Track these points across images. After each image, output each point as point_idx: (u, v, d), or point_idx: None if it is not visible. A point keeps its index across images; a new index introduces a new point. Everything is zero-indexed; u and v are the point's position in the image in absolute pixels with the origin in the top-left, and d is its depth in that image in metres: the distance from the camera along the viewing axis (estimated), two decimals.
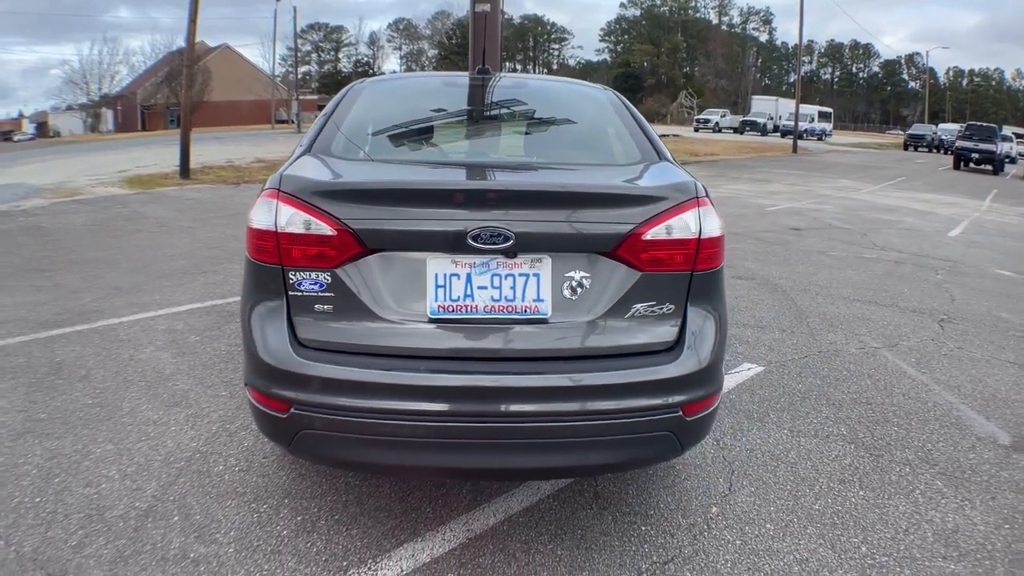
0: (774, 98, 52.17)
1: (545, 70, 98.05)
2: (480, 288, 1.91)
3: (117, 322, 4.39)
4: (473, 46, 13.68)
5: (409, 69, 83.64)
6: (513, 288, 1.91)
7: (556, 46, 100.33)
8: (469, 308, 1.91)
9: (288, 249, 1.90)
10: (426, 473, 2.21)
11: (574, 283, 1.94)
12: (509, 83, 2.97)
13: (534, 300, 1.92)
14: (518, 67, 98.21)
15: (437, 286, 1.91)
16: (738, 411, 3.29)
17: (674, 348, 1.99)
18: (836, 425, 3.19)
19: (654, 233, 1.93)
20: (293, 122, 41.58)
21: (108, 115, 60.43)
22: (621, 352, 1.96)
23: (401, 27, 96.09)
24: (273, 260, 1.92)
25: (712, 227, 2.01)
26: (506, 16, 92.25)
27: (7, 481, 2.49)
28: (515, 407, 1.86)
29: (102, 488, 2.45)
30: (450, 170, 2.30)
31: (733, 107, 63.10)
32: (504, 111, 2.76)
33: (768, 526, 2.38)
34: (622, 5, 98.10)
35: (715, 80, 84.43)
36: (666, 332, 2.00)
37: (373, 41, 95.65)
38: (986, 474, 2.81)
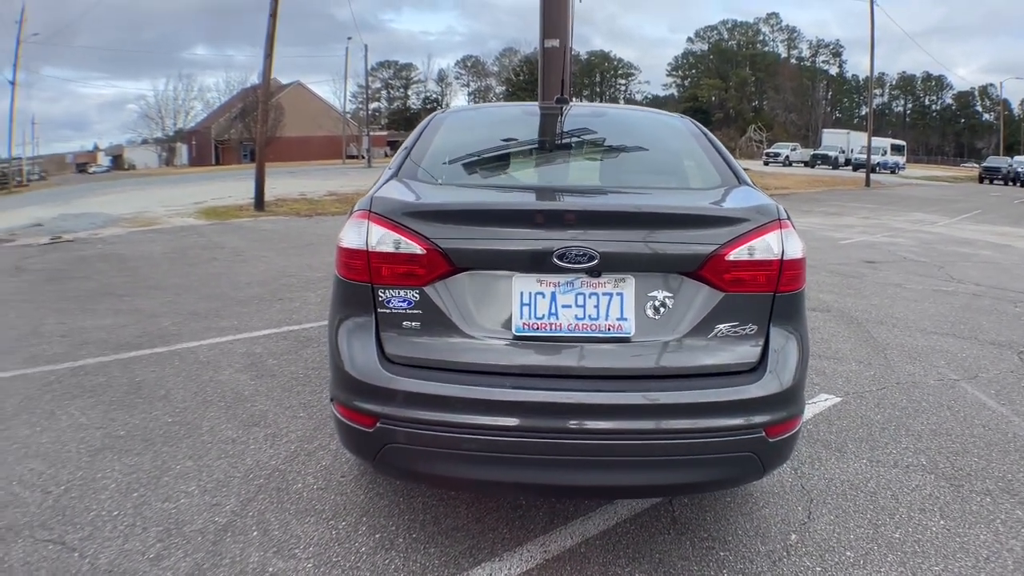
0: (845, 131, 50.68)
1: None
2: (564, 307, 1.97)
3: (196, 345, 4.62)
4: (542, 81, 14.05)
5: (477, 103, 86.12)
6: (597, 307, 1.96)
7: (623, 81, 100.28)
8: (553, 326, 1.97)
9: (378, 267, 2.00)
10: (507, 489, 2.25)
11: (657, 303, 1.98)
12: (586, 111, 3.09)
13: (617, 319, 1.97)
14: (586, 103, 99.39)
15: (523, 304, 1.97)
16: (816, 441, 3.20)
17: (757, 369, 2.00)
18: (916, 456, 3.06)
19: (737, 254, 1.96)
20: (363, 157, 42.86)
21: (183, 149, 62.97)
22: (703, 372, 1.98)
23: (469, 64, 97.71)
24: (363, 278, 2.02)
25: (794, 249, 2.04)
26: (574, 52, 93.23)
27: (84, 495, 2.62)
28: (597, 424, 1.90)
29: (181, 503, 2.58)
30: (533, 193, 2.39)
31: (803, 141, 61.58)
32: (579, 138, 2.86)
33: (848, 554, 2.31)
34: (689, 40, 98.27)
35: (784, 114, 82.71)
36: (749, 353, 2.01)
37: (442, 78, 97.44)
38: None
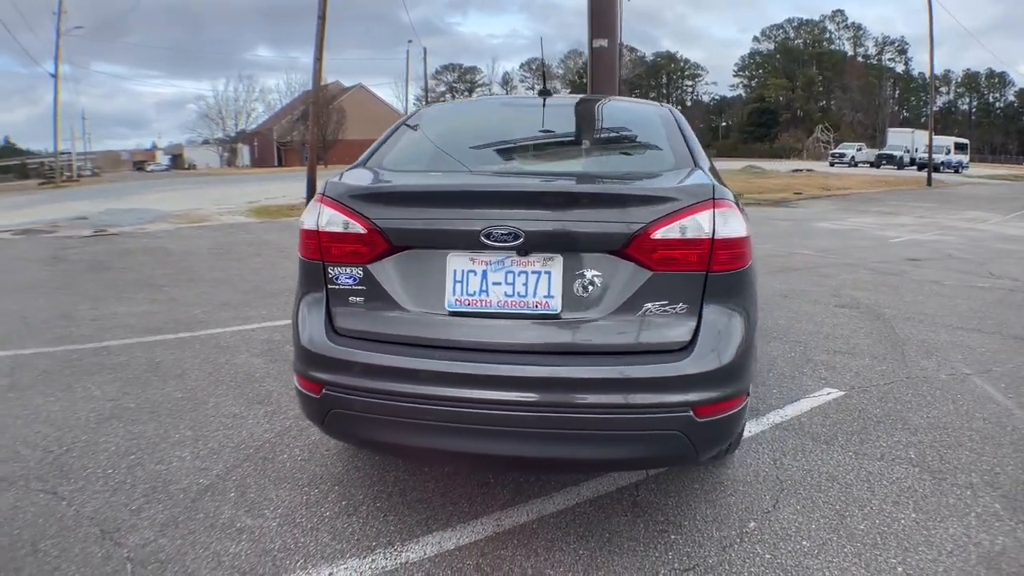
0: (910, 130, 48.22)
1: (680, 107, 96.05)
2: (495, 284, 1.99)
3: (219, 331, 4.82)
4: (591, 81, 13.89)
5: None
6: (525, 285, 1.98)
7: (690, 83, 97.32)
8: (484, 303, 2.00)
9: (328, 247, 2.09)
10: (441, 457, 2.27)
11: (585, 281, 1.97)
12: (563, 102, 3.04)
13: (545, 296, 1.97)
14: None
15: (455, 281, 2.01)
16: (805, 433, 3.09)
17: (687, 347, 1.95)
18: (906, 449, 2.91)
19: (663, 233, 1.93)
20: None
21: (244, 150, 63.09)
22: (630, 349, 1.96)
23: (534, 67, 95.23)
24: (316, 257, 2.13)
25: (730, 229, 1.98)
26: (638, 53, 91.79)
27: (84, 455, 2.80)
28: (522, 397, 1.91)
29: (172, 466, 2.72)
30: (475, 176, 2.41)
31: (871, 141, 58.91)
32: (548, 127, 2.85)
33: (805, 543, 2.22)
34: (755, 39, 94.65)
35: (851, 113, 79.20)
36: (679, 331, 1.96)
37: (506, 81, 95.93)
38: None
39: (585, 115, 2.89)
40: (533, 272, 1.98)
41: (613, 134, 2.79)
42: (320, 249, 2.11)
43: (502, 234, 1.93)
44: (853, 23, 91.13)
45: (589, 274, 1.97)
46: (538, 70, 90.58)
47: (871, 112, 79.60)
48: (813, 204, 17.56)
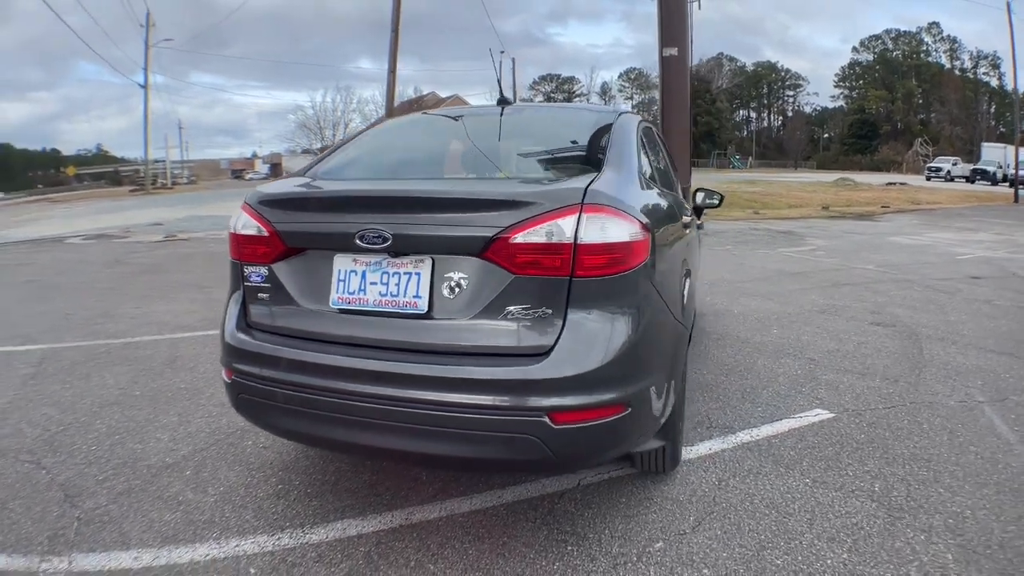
0: (1003, 145, 43.02)
1: (781, 117, 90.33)
2: (372, 284, 1.95)
3: None
4: (663, 90, 13.31)
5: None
6: (397, 285, 1.92)
7: (791, 92, 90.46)
8: (362, 301, 1.96)
9: (243, 248, 2.14)
10: (325, 444, 2.21)
11: (453, 283, 1.88)
12: (511, 111, 2.87)
13: (414, 297, 1.90)
14: (752, 114, 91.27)
15: (339, 280, 1.99)
16: (769, 455, 2.75)
17: (547, 352, 1.78)
18: (872, 481, 2.51)
19: (524, 237, 1.80)
20: None
21: None
22: (490, 351, 1.83)
23: (632, 77, 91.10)
24: (236, 257, 2.18)
25: (597, 235, 1.80)
26: (738, 63, 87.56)
27: (76, 434, 2.93)
28: (390, 392, 1.84)
29: (148, 446, 2.81)
30: (353, 183, 2.32)
31: (968, 155, 52.96)
32: (482, 136, 2.72)
33: (705, 571, 1.96)
34: (855, 49, 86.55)
35: (950, 127, 71.76)
36: (540, 335, 1.81)
37: (605, 91, 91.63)
38: (1016, 551, 2.02)
39: (524, 123, 2.73)
40: (404, 273, 1.92)
41: (537, 142, 2.62)
42: (238, 250, 2.15)
43: (372, 237, 1.89)
44: (948, 36, 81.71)
45: (456, 276, 1.87)
46: (636, 80, 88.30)
47: (968, 126, 71.47)
48: (897, 218, 15.94)
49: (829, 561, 2.00)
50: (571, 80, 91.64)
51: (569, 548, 2.07)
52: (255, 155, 78.28)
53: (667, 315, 2.14)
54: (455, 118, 2.85)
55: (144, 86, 32.10)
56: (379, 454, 2.10)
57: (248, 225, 2.11)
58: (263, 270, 2.08)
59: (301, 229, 2.03)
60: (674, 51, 12.66)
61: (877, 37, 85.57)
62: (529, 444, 1.75)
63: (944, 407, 3.28)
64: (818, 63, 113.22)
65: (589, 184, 1.90)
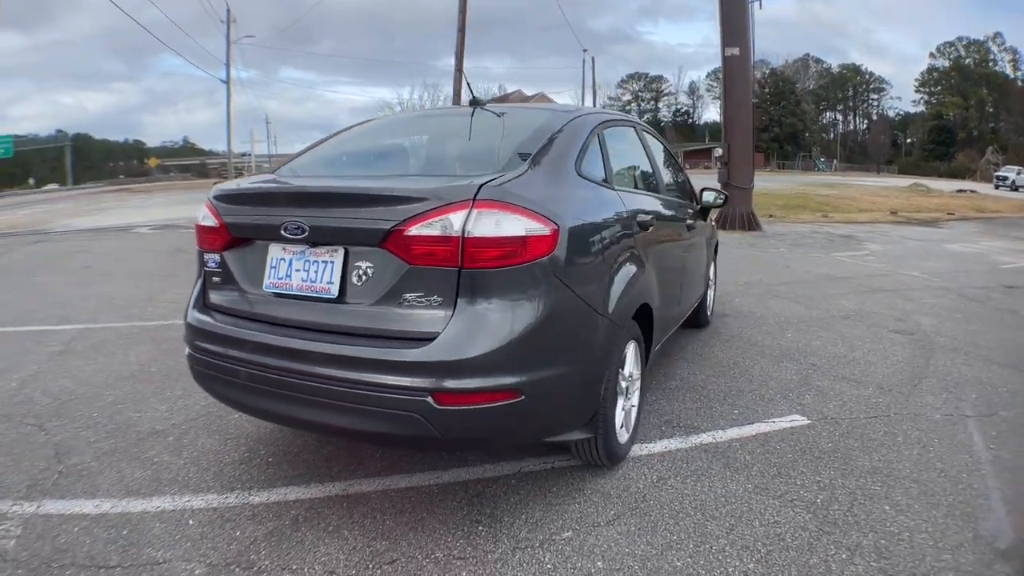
0: None
1: (866, 121, 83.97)
2: (296, 270, 2.06)
3: None
4: (724, 90, 12.72)
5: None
6: (316, 272, 2.03)
7: (875, 96, 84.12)
8: (288, 285, 2.08)
9: (202, 237, 2.31)
10: (254, 413, 2.28)
11: (361, 271, 1.97)
12: (470, 111, 2.85)
13: (327, 283, 2.01)
14: (839, 116, 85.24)
15: (271, 267, 2.12)
16: (722, 458, 2.63)
17: (435, 337, 1.84)
18: (817, 492, 2.35)
19: (418, 229, 1.86)
20: None
21: None
22: (386, 334, 1.91)
23: (719, 76, 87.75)
24: (198, 246, 2.35)
25: (488, 228, 1.84)
26: (824, 64, 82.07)
27: (84, 403, 3.13)
28: (305, 368, 1.94)
29: (145, 415, 3.00)
30: (297, 180, 2.39)
31: None
32: (436, 136, 2.75)
33: (599, 563, 1.92)
34: (932, 55, 79.49)
35: (1015, 136, 64.39)
36: (430, 321, 1.87)
37: (692, 91, 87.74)
38: None
39: (478, 124, 2.70)
40: (321, 261, 2.02)
41: (481, 141, 2.59)
42: (199, 239, 2.32)
43: (294, 228, 2.00)
44: (1011, 47, 72.93)
45: (364, 265, 1.97)
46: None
47: None
48: (959, 226, 14.51)
49: (731, 569, 1.92)
50: (659, 79, 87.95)
51: (479, 529, 2.09)
52: None
53: (585, 310, 2.12)
54: (421, 119, 2.88)
55: (226, 81, 32.24)
56: (298, 424, 2.21)
57: (206, 217, 2.27)
58: (216, 257, 2.24)
59: (243, 221, 2.17)
60: (735, 51, 12.09)
61: (951, 44, 77.98)
62: (414, 421, 1.82)
63: (927, 420, 3.01)
64: (901, 67, 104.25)
65: (488, 181, 1.93)
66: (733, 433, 2.88)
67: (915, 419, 3.02)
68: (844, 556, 1.97)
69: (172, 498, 2.24)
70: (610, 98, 78.27)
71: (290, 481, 2.38)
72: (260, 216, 2.11)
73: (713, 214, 4.73)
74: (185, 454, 2.59)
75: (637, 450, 2.69)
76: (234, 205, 2.21)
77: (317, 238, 2.00)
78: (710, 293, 4.88)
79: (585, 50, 45.54)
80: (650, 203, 2.97)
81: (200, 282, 2.35)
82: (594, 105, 44.46)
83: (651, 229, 2.81)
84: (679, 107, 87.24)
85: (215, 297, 2.26)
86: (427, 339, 1.84)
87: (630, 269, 2.48)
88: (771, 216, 14.75)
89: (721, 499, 2.30)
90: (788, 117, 65.29)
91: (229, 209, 2.19)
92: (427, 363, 1.80)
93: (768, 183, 28.65)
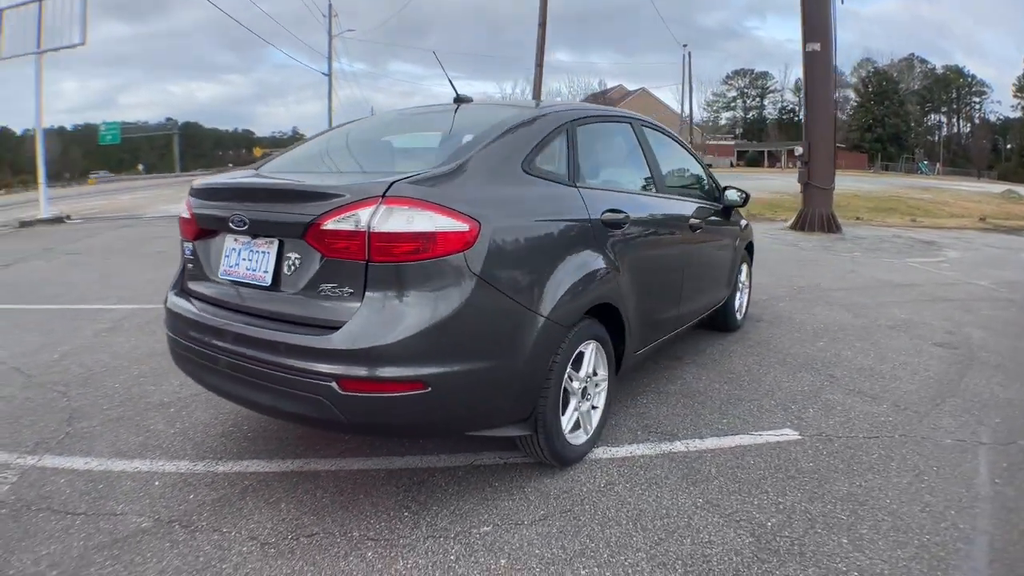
0: None
1: (968, 124, 74.62)
2: (243, 259, 2.15)
3: None
4: (805, 88, 11.79)
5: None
6: (256, 261, 2.10)
7: (977, 99, 74.41)
8: (235, 273, 2.17)
9: (183, 228, 2.45)
10: (211, 390, 2.31)
11: (291, 262, 2.02)
12: (446, 108, 2.77)
13: (264, 272, 2.07)
14: (943, 119, 76.38)
15: (225, 256, 2.22)
16: (684, 468, 2.44)
17: (342, 326, 1.86)
18: (772, 516, 2.11)
19: (332, 224, 1.89)
20: (708, 165, 38.83)
21: None
22: (303, 321, 1.95)
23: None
24: (180, 235, 2.49)
25: (397, 224, 1.84)
26: (928, 65, 73.79)
27: (111, 375, 3.37)
28: (238, 348, 2.02)
29: (161, 388, 3.20)
30: (251, 177, 2.44)
31: None
32: (406, 133, 2.72)
33: (502, 561, 1.85)
34: None
35: None
36: (340, 311, 1.90)
37: (799, 88, 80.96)
38: None
39: (448, 121, 2.63)
40: (260, 251, 2.09)
41: (436, 138, 2.54)
42: (180, 229, 2.47)
43: (238, 221, 2.09)
44: None
45: (293, 256, 2.02)
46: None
47: None
48: None
49: None
50: (764, 76, 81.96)
51: (404, 514, 2.09)
52: None
53: (513, 307, 2.05)
54: (399, 118, 2.87)
55: (328, 74, 32.13)
56: (240, 402, 2.24)
57: (184, 210, 2.43)
58: (191, 246, 2.39)
59: (206, 213, 2.29)
60: (816, 46, 11.15)
61: None
62: (321, 405, 1.86)
63: (934, 444, 2.63)
64: (1002, 70, 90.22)
65: (401, 179, 1.92)
66: (710, 443, 2.65)
67: (920, 442, 2.63)
68: None
69: (150, 461, 2.41)
70: (715, 94, 74.23)
71: (257, 455, 2.48)
72: (218, 209, 2.22)
73: (729, 215, 4.33)
74: (178, 425, 2.78)
75: (600, 453, 2.55)
76: (201, 199, 2.33)
77: (257, 230, 2.08)
78: (741, 297, 4.53)
79: (685, 45, 43.22)
80: (628, 201, 2.77)
81: (180, 269, 2.50)
82: (690, 101, 42.16)
83: (626, 228, 2.63)
84: (784, 104, 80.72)
85: (190, 283, 2.40)
86: (335, 327, 1.87)
87: (584, 267, 2.34)
88: (858, 219, 13.51)
89: (662, 511, 2.12)
90: (891, 117, 59.16)
91: (198, 203, 2.32)
92: (332, 350, 1.83)
93: (864, 184, 26.25)
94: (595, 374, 2.53)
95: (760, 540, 1.96)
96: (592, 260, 2.40)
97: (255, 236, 2.10)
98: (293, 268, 2.01)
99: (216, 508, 2.09)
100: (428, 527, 2.01)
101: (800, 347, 4.09)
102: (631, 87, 56.94)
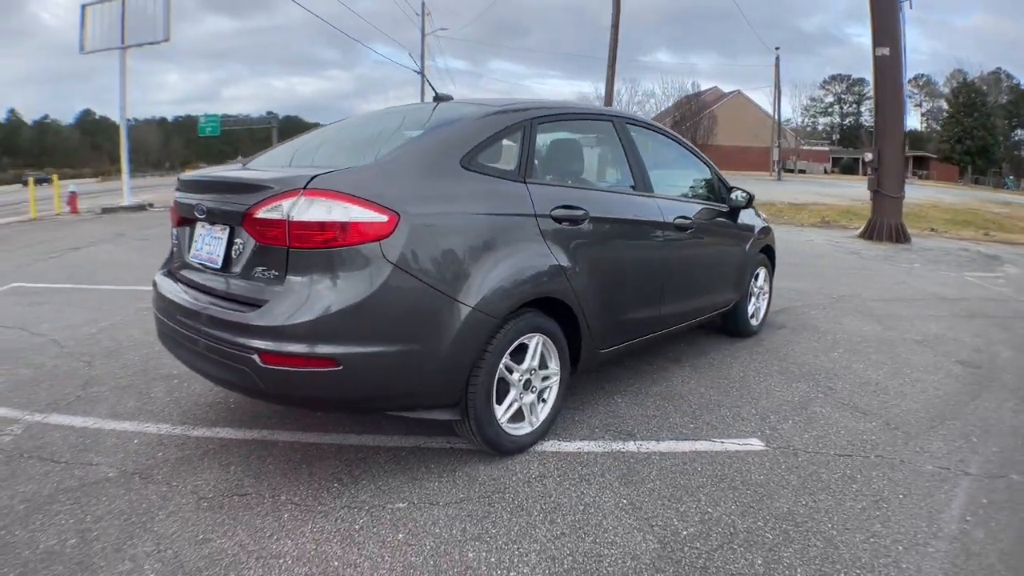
0: None
1: None
2: (206, 244, 2.31)
3: None
4: (876, 93, 10.93)
5: (928, 128, 66.11)
6: (213, 245, 2.26)
7: None
8: (200, 256, 2.33)
9: (171, 216, 2.66)
10: (181, 361, 2.41)
11: (236, 247, 2.15)
12: (421, 107, 2.80)
13: (217, 255, 2.22)
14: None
15: (194, 240, 2.39)
16: (625, 469, 2.33)
17: (263, 304, 1.97)
18: (693, 526, 2.00)
19: (262, 213, 2.01)
20: (794, 170, 35.88)
21: None
22: (237, 299, 2.07)
23: (920, 83, 72.49)
24: (171, 222, 2.68)
25: (309, 215, 1.93)
26: (1014, 80, 65.09)
27: (135, 349, 3.58)
28: (195, 324, 2.15)
29: (175, 362, 3.12)
30: (232, 171, 2.55)
31: None
32: (363, 132, 2.79)
33: (399, 536, 1.88)
34: None
35: None
36: (266, 292, 2.01)
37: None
38: None
39: (410, 119, 2.64)
40: (216, 237, 2.24)
41: (392, 135, 2.57)
42: (170, 217, 2.65)
43: (200, 209, 2.26)
44: None
45: (238, 241, 2.15)
46: (924, 87, 70.53)
47: None
48: None
49: (515, 573, 1.67)
50: (861, 82, 76.17)
51: (334, 485, 2.17)
52: None
53: (434, 295, 2.07)
54: (376, 115, 2.93)
55: (420, 72, 32.14)
56: (197, 371, 2.30)
57: (172, 200, 2.57)
58: (175, 232, 2.59)
59: (184, 202, 2.48)
60: (885, 51, 10.32)
61: None
62: (246, 375, 1.97)
63: (911, 470, 2.36)
64: None
65: (323, 173, 2.01)
66: (665, 447, 2.52)
67: (896, 466, 2.37)
68: None
69: (138, 423, 2.64)
70: (812, 99, 69.61)
71: (230, 424, 2.64)
72: (191, 199, 2.40)
73: (736, 217, 4.00)
74: (175, 394, 3.00)
75: (548, 446, 2.50)
76: (181, 190, 2.53)
77: (214, 218, 2.24)
78: (757, 302, 4.23)
79: (777, 48, 40.83)
80: (593, 199, 2.66)
81: (169, 253, 2.71)
82: (778, 105, 39.67)
83: (586, 225, 2.53)
84: None
85: (174, 265, 2.59)
86: (259, 306, 1.98)
87: (523, 262, 2.29)
88: (932, 230, 12.27)
89: (580, 507, 2.06)
90: (978, 130, 53.27)
91: (180, 194, 2.53)
92: (254, 326, 1.95)
93: (946, 195, 23.69)
94: (544, 368, 2.46)
95: (666, 548, 1.85)
96: (534, 255, 2.35)
97: (213, 224, 2.26)
98: (238, 252, 2.14)
99: (175, 465, 2.26)
100: (349, 498, 2.08)
101: (811, 357, 3.76)
102: (727, 89, 54.60)
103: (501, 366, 2.29)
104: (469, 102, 2.72)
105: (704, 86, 56.10)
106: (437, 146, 2.25)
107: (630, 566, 1.76)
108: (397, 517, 1.97)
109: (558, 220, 2.48)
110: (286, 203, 1.94)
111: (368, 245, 1.94)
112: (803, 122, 56.68)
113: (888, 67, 10.20)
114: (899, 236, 10.04)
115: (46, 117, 70.15)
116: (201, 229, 2.35)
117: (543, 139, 2.63)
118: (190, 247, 2.41)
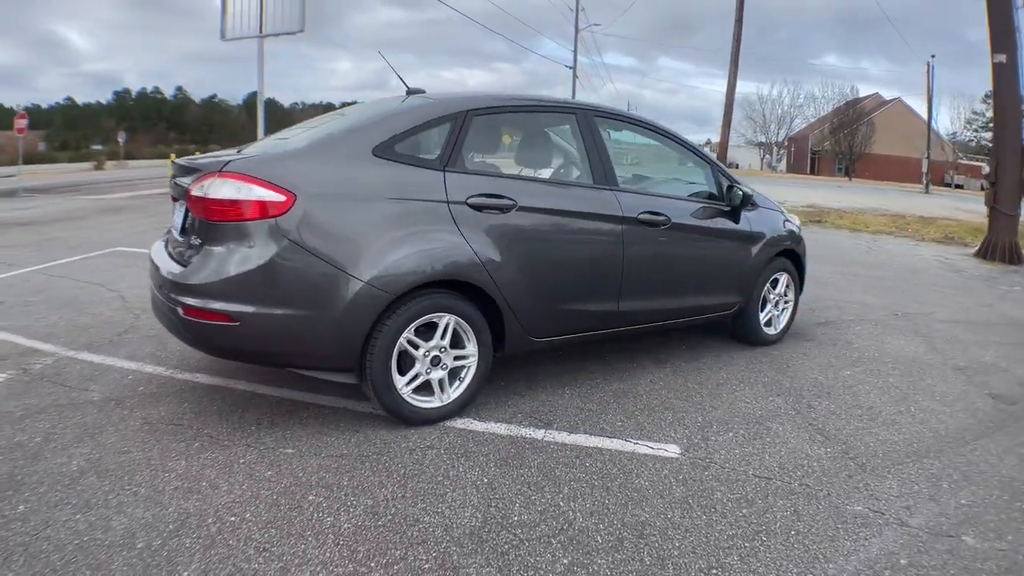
0: None
1: None
2: (177, 216, 2.65)
3: None
4: (995, 101, 9.16)
5: None
6: (178, 218, 2.59)
7: None
8: (176, 226, 2.64)
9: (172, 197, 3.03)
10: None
11: (189, 219, 2.45)
12: (386, 101, 2.86)
13: (179, 225, 2.56)
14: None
15: (177, 214, 2.69)
16: (513, 452, 2.27)
17: (187, 264, 2.26)
18: (527, 513, 1.95)
19: (195, 191, 2.28)
20: (949, 184, 31.19)
21: (782, 155, 54.88)
22: (177, 260, 2.38)
23: None
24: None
25: (224, 193, 2.17)
26: None
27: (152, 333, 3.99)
28: (159, 282, 2.48)
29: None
30: (193, 157, 2.84)
31: None
32: (332, 122, 2.87)
33: (268, 472, 2.04)
34: None
35: None
36: (190, 256, 2.30)
37: None
38: None
39: (366, 111, 2.71)
40: (179, 211, 2.58)
41: (338, 127, 2.60)
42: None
43: (176, 188, 2.55)
44: None
45: (191, 216, 2.42)
46: None
47: None
48: None
49: (309, 519, 1.74)
50: None
51: (251, 428, 2.42)
52: (708, 142, 70.99)
53: (327, 269, 2.21)
54: (351, 109, 3.05)
55: (572, 67, 30.87)
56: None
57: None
58: (173, 207, 2.88)
59: (173, 183, 2.75)
60: (1003, 58, 8.70)
61: None
62: (175, 323, 2.29)
63: (832, 508, 2.06)
64: None
65: (238, 158, 2.28)
66: (571, 439, 2.43)
67: (815, 499, 2.07)
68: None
69: (141, 364, 3.11)
70: (975, 112, 59.63)
71: (212, 372, 2.99)
72: (175, 179, 2.70)
73: (738, 218, 3.54)
74: (184, 368, 3.08)
75: (461, 423, 2.55)
76: (175, 174, 2.80)
77: (179, 195, 2.56)
78: (771, 310, 3.78)
79: (932, 56, 35.45)
80: (525, 189, 2.57)
81: (167, 229, 3.07)
82: (928, 114, 34.32)
83: (512, 214, 2.46)
84: None
85: (168, 237, 2.91)
86: (184, 265, 2.31)
87: (427, 244, 2.35)
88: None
89: (435, 479, 2.10)
90: None
91: (175, 177, 2.76)
92: (180, 284, 2.26)
93: None
94: (459, 347, 2.47)
95: (485, 527, 1.83)
96: (441, 238, 2.38)
97: (178, 200, 2.60)
98: (189, 224, 2.47)
99: (145, 398, 2.66)
100: (254, 439, 2.31)
101: (815, 373, 3.28)
102: (888, 96, 49.06)
103: (403, 340, 2.36)
104: (425, 96, 2.76)
105: (865, 92, 50.21)
106: (350, 136, 2.40)
107: (437, 535, 1.76)
108: (279, 459, 2.15)
109: (477, 208, 2.48)
110: (206, 183, 2.24)
111: (267, 220, 2.16)
112: (968, 137, 47.85)
113: (1006, 75, 8.54)
114: (1012, 257, 8.32)
115: (214, 96, 68.04)
116: (179, 205, 2.70)
117: (481, 131, 2.63)
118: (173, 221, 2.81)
